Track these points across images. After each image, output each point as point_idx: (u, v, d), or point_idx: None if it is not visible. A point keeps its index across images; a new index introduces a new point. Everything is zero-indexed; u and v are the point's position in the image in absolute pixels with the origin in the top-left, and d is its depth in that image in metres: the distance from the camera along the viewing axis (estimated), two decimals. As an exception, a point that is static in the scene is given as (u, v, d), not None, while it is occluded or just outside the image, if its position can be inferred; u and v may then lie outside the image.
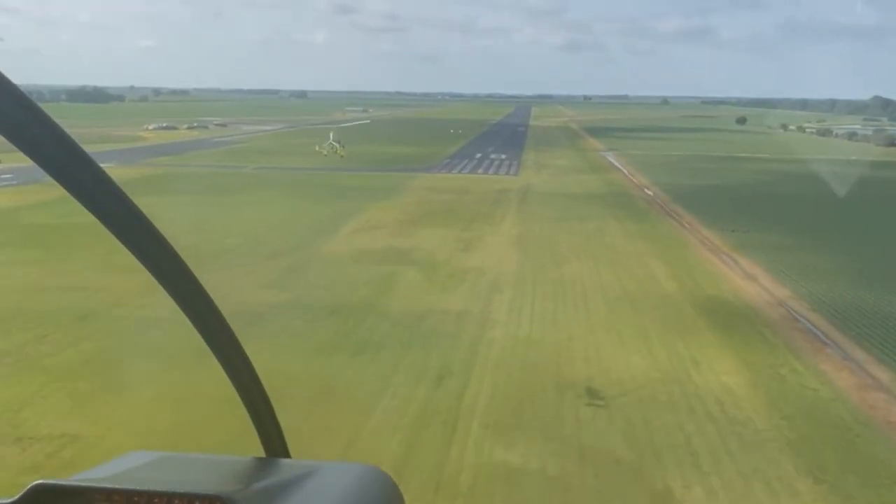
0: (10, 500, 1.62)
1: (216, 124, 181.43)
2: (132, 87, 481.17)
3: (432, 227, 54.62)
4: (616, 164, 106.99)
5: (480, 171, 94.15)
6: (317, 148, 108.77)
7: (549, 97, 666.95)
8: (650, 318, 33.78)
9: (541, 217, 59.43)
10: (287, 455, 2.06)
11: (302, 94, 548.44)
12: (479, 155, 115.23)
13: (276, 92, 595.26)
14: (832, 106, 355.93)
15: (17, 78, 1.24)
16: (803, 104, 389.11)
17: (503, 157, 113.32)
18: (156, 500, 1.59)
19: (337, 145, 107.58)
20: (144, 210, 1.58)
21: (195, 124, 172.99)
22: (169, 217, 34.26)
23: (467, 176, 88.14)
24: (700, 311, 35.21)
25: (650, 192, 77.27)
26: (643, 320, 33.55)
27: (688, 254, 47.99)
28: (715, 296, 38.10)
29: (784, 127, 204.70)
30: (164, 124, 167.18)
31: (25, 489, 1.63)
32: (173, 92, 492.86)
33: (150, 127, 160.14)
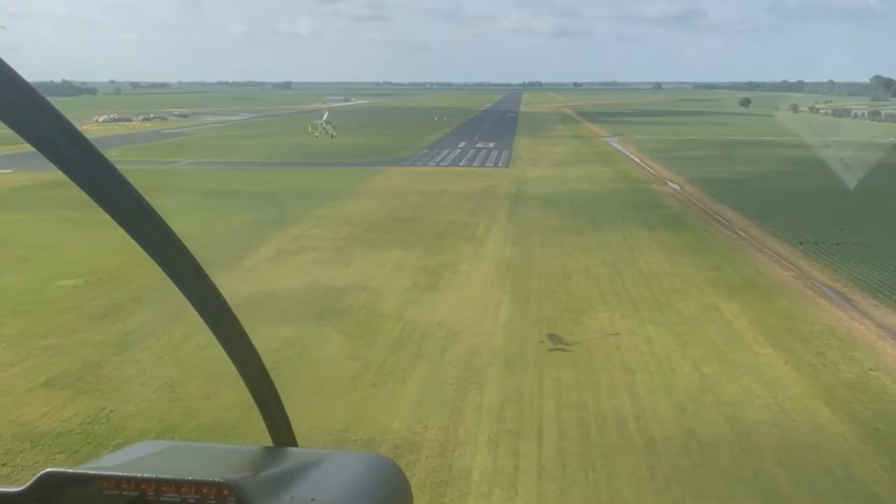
0: (19, 488, 1.59)
1: (178, 115, 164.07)
2: (112, 82, 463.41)
3: (386, 247, 37.29)
4: (624, 151, 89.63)
5: (463, 163, 76.55)
6: (308, 129, 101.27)
7: (539, 85, 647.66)
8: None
9: (541, 228, 42.11)
10: (294, 444, 2.00)
11: (286, 86, 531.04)
12: (462, 144, 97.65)
13: (261, 84, 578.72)
14: (831, 87, 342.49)
15: None
16: (800, 86, 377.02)
17: (491, 145, 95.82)
18: (164, 487, 1.56)
19: (328, 126, 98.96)
20: None
21: (152, 115, 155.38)
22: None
23: (446, 169, 70.55)
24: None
25: (676, 186, 60.05)
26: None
27: (773, 286, 30.80)
28: None
29: (794, 108, 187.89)
30: (115, 116, 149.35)
31: (35, 477, 1.60)
32: (153, 85, 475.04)
33: (100, 119, 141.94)
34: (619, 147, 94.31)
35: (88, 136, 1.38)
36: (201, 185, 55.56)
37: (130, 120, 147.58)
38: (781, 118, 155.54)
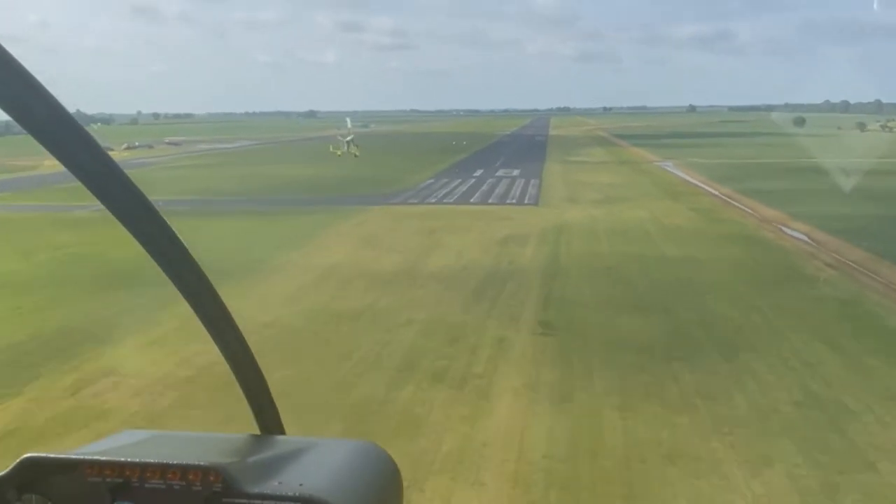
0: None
1: (167, 143, 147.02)
2: (139, 113, 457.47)
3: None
4: (689, 179, 67.39)
5: (475, 199, 55.10)
6: (331, 149, 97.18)
7: (567, 110, 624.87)
8: None
9: (618, 355, 20.22)
10: (283, 433, 1.97)
11: (311, 114, 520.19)
12: (479, 171, 76.42)
13: (286, 113, 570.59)
14: (879, 107, 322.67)
15: None
16: (845, 106, 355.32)
17: (515, 173, 74.46)
18: (148, 473, 1.53)
19: (352, 146, 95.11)
20: None
21: (137, 144, 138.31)
22: None
23: (449, 210, 49.05)
24: None
25: (800, 235, 37.87)
26: None
27: None
28: None
29: (861, 127, 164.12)
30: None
31: (15, 462, 1.57)
32: (177, 116, 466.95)
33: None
34: (681, 174, 72.05)
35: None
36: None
37: (112, 149, 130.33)
38: (852, 138, 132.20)
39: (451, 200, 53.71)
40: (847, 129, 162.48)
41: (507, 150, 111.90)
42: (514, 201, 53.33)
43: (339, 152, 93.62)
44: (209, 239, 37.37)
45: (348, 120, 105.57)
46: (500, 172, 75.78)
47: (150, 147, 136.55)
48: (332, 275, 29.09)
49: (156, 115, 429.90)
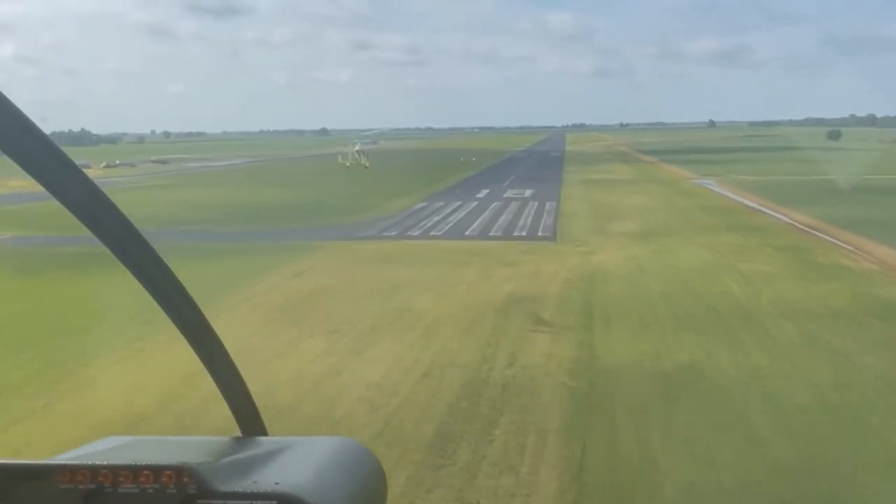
0: None
1: (154, 161, 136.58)
2: (152, 132, 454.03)
3: None
4: (743, 201, 53.44)
5: (473, 230, 41.44)
6: (339, 159, 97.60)
7: (583, 126, 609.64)
8: None
9: None
10: (264, 434, 1.91)
11: (324, 132, 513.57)
12: (484, 192, 63.07)
13: (301, 132, 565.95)
14: None
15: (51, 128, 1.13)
16: (871, 120, 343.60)
17: (527, 193, 61.02)
18: (121, 477, 1.49)
19: (361, 157, 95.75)
20: None
21: (118, 162, 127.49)
22: None
23: (431, 248, 35.28)
24: None
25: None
26: None
27: None
28: None
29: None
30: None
31: None
32: (189, 135, 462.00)
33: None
34: (730, 194, 58.12)
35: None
36: None
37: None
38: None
39: (439, 233, 40.13)
40: (889, 143, 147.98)
41: (520, 168, 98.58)
42: (523, 233, 39.75)
43: (347, 164, 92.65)
44: (29, 303, 24.19)
45: (357, 142, 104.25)
46: (510, 192, 62.35)
47: (133, 166, 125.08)
48: (157, 408, 15.48)
49: (167, 134, 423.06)
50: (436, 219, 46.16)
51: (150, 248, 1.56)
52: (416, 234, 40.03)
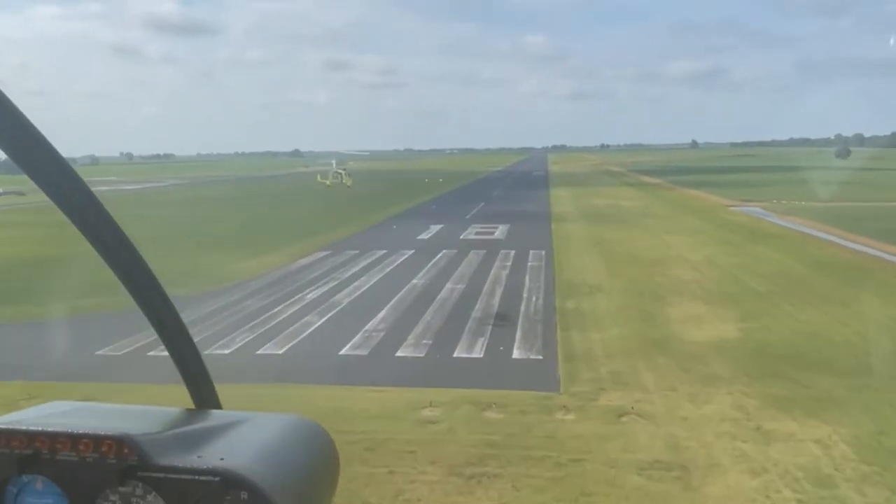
0: None
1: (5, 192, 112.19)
2: (121, 154, 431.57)
3: None
4: (867, 249, 31.00)
5: (365, 332, 18.47)
6: (319, 178, 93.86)
7: (564, 147, 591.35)
8: None
9: None
10: (218, 408, 1.81)
11: (296, 154, 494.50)
12: (436, 228, 40.12)
13: (275, 153, 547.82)
14: (893, 140, 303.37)
15: None
16: (860, 140, 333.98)
17: (496, 233, 38.14)
18: (59, 444, 1.41)
19: (343, 174, 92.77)
20: None
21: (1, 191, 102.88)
22: None
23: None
24: None
25: None
26: None
27: None
28: None
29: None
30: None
31: None
32: (156, 156, 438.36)
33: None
34: (823, 234, 35.58)
35: None
36: None
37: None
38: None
39: (302, 350, 16.90)
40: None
41: (495, 191, 75.82)
42: (478, 355, 16.76)
43: (327, 182, 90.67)
44: None
45: (333, 161, 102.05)
46: (474, 231, 39.45)
47: (22, 194, 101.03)
48: None
49: (129, 157, 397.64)
50: (310, 297, 22.82)
51: (104, 209, 1.43)
52: (222, 351, 16.64)
